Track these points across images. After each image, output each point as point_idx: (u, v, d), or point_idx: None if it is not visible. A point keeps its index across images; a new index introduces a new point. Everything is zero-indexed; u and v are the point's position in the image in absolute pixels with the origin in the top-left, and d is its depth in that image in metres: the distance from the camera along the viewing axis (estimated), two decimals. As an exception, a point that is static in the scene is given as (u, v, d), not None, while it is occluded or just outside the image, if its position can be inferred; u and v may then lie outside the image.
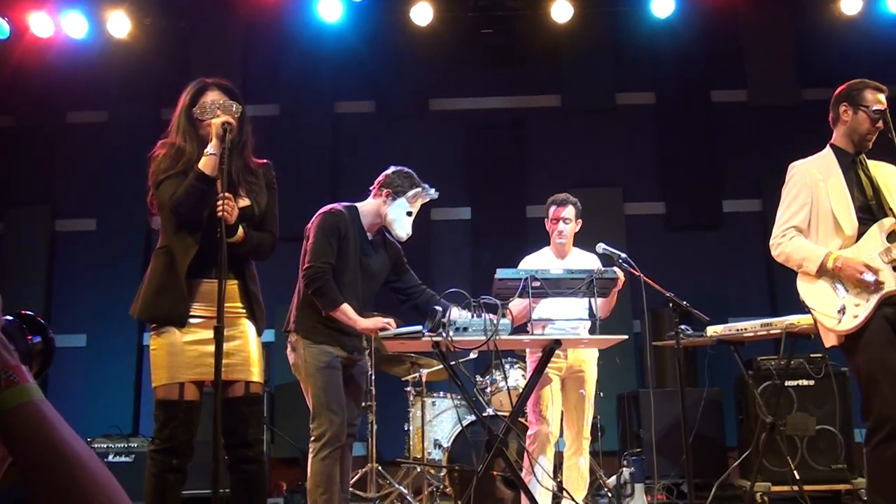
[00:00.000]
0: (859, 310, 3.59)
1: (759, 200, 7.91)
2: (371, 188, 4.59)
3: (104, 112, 8.27)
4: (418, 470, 6.04)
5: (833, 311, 3.68)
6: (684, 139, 8.04)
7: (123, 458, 6.65)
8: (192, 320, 3.24)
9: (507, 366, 5.81)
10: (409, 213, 4.49)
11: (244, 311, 3.36)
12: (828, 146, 3.98)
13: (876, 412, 3.49)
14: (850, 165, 3.89)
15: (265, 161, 3.56)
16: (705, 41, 8.03)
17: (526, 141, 8.17)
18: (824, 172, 3.86)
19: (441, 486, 5.77)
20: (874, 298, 3.55)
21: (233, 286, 3.29)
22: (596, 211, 6.98)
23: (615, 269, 4.50)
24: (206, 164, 3.15)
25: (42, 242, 8.09)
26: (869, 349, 3.55)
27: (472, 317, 4.14)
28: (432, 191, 4.55)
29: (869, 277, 3.57)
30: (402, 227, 4.48)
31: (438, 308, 4.18)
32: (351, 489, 4.78)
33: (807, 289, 3.81)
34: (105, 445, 6.70)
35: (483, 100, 8.33)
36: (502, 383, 5.74)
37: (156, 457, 3.19)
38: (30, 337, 1.05)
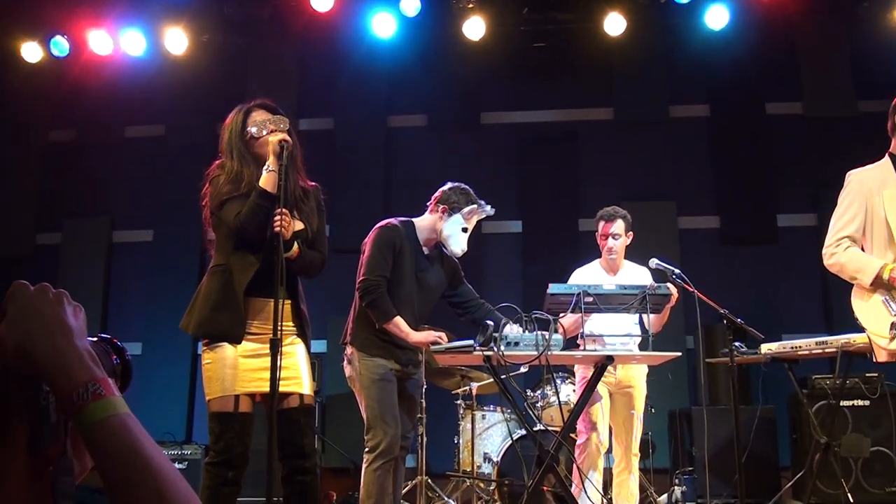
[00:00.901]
0: None
1: (814, 215, 7.78)
2: (428, 203, 4.63)
3: (161, 126, 8.44)
4: (468, 483, 6.04)
5: (885, 329, 3.61)
6: (739, 152, 7.94)
7: (178, 465, 6.74)
8: (246, 336, 3.30)
9: (558, 381, 5.79)
10: (465, 230, 4.52)
11: (295, 329, 3.41)
12: (886, 155, 3.88)
13: None
14: None
15: (314, 184, 3.61)
16: (760, 53, 7.93)
17: (578, 154, 8.15)
18: (881, 182, 3.78)
19: (491, 500, 5.77)
20: None
21: (286, 305, 3.34)
22: (649, 224, 6.94)
23: (669, 285, 4.47)
24: (266, 181, 3.21)
25: (100, 253, 8.27)
26: None
27: (524, 331, 4.15)
28: (488, 207, 4.58)
29: None
30: (458, 243, 4.51)
31: (490, 322, 4.20)
32: (402, 501, 4.80)
33: (859, 305, 3.76)
34: (159, 452, 6.82)
35: (535, 113, 8.32)
36: (553, 398, 5.72)
37: (211, 469, 3.24)
38: (113, 357, 1.09)
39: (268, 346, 3.19)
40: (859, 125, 7.60)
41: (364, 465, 4.32)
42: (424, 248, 4.54)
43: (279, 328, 2.98)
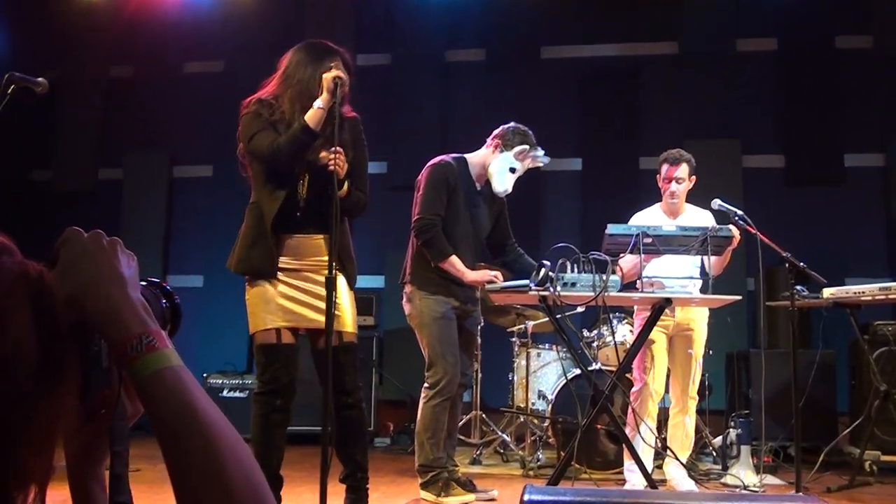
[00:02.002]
0: None
1: (882, 155, 7.53)
2: (487, 139, 4.60)
3: (220, 62, 8.45)
4: (521, 419, 6.09)
5: None
6: (806, 89, 7.66)
7: (238, 394, 6.95)
8: (280, 273, 3.34)
9: (615, 321, 5.76)
10: (513, 170, 4.48)
11: (336, 264, 3.42)
12: None
13: None
14: None
15: (354, 114, 3.56)
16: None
17: (640, 90, 7.96)
18: None
19: (544, 436, 5.81)
20: None
21: (319, 241, 3.36)
22: (712, 163, 6.79)
23: (731, 226, 4.38)
24: (312, 117, 3.20)
25: (161, 187, 8.41)
26: None
27: (581, 272, 4.12)
28: (541, 153, 4.53)
29: None
30: (502, 182, 4.47)
31: (546, 263, 4.18)
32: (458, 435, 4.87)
33: None
34: (220, 381, 7.00)
35: (597, 47, 8.11)
36: (609, 338, 5.69)
37: (260, 399, 3.33)
38: (162, 301, 1.09)
39: (300, 281, 3.24)
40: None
41: (423, 401, 4.40)
42: (477, 184, 4.52)
43: (332, 267, 3.00)
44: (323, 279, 3.31)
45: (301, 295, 3.26)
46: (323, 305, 3.22)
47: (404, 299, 4.51)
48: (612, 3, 8.07)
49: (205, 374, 7.11)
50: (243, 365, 7.68)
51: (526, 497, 1.94)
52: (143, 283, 1.10)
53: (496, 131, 4.57)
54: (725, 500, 1.95)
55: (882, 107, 7.51)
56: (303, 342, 3.50)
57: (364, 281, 5.26)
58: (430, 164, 4.49)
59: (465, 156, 4.58)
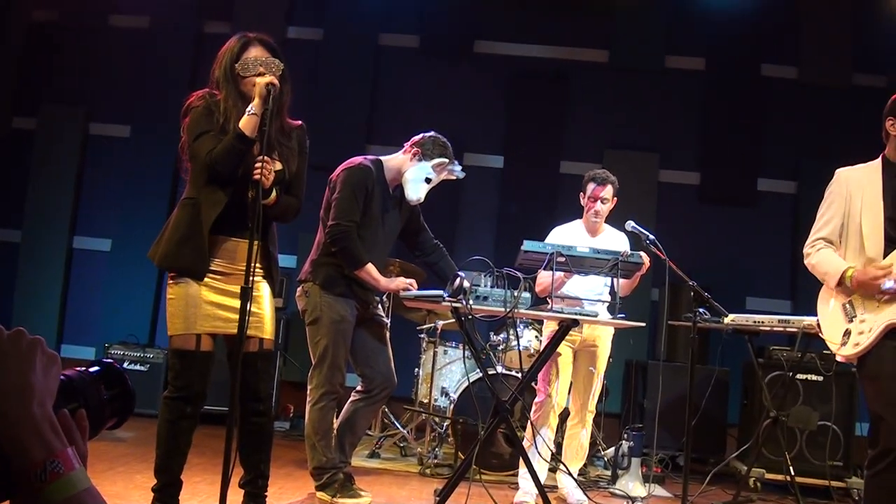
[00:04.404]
0: (861, 338, 3.51)
1: (794, 183, 7.80)
2: (405, 144, 4.58)
3: (146, 18, 8.18)
4: (423, 416, 6.15)
5: (838, 336, 3.63)
6: (729, 110, 7.87)
7: (139, 367, 6.81)
8: (210, 274, 3.28)
9: (521, 326, 5.86)
10: (428, 180, 4.49)
11: (262, 271, 3.39)
12: (879, 158, 3.73)
13: (882, 442, 3.47)
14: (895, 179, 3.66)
15: (300, 123, 3.53)
16: (761, 11, 7.79)
17: (568, 95, 8.04)
18: (864, 184, 3.67)
19: (444, 433, 5.89)
20: (879, 326, 3.50)
21: (254, 246, 3.31)
22: (630, 175, 6.92)
23: (641, 253, 4.48)
24: (246, 124, 3.14)
25: (74, 144, 8.11)
26: (877, 380, 3.50)
27: (494, 287, 4.18)
28: (458, 168, 4.55)
29: (889, 284, 3.44)
30: (416, 191, 4.48)
31: (461, 274, 4.22)
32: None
33: (822, 308, 3.78)
34: (121, 353, 6.85)
35: (529, 47, 8.13)
36: (514, 342, 5.79)
37: (170, 403, 3.26)
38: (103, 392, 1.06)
39: (232, 285, 3.20)
40: (852, 97, 7.59)
41: (309, 404, 4.40)
42: (390, 188, 4.52)
43: (251, 275, 2.95)
44: (255, 285, 3.28)
45: (227, 300, 3.20)
46: (250, 315, 3.20)
47: (299, 293, 4.48)
48: (548, 4, 8.13)
49: (106, 345, 6.95)
50: (145, 337, 7.54)
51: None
52: (85, 369, 1.07)
53: (415, 138, 4.54)
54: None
55: (800, 136, 7.77)
56: (218, 347, 3.42)
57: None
58: (347, 165, 4.44)
59: (381, 159, 4.55)
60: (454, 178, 4.63)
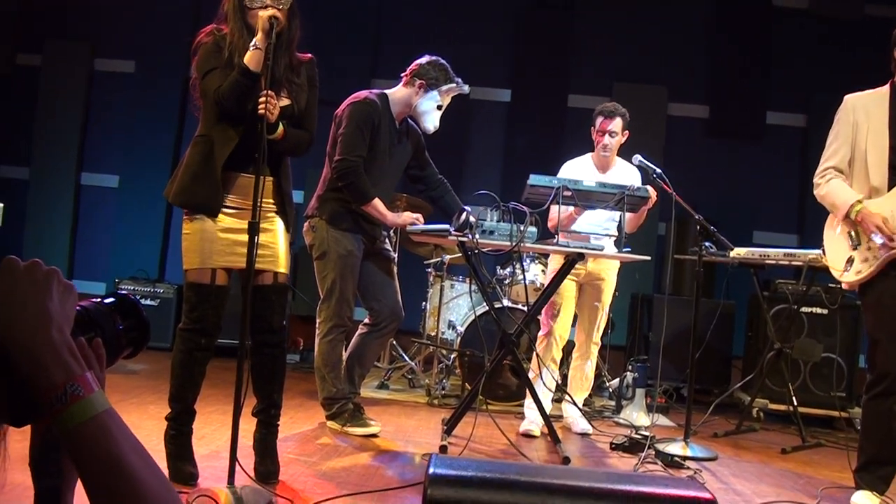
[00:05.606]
0: (864, 266, 3.60)
1: (804, 116, 7.74)
2: (403, 75, 4.55)
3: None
4: (430, 349, 6.23)
5: (841, 263, 3.71)
6: (738, 42, 7.77)
7: (149, 302, 6.87)
8: (225, 210, 3.30)
9: (528, 260, 5.90)
10: (440, 107, 4.48)
11: (275, 206, 3.41)
12: (888, 84, 3.70)
13: (879, 367, 3.56)
14: None
15: (310, 57, 3.50)
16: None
17: (575, 25, 7.93)
18: (871, 112, 3.67)
19: (451, 365, 5.97)
20: (881, 256, 3.54)
21: (267, 182, 3.32)
22: (638, 108, 6.85)
23: (648, 187, 4.50)
24: (250, 58, 3.12)
25: (81, 79, 8.07)
26: (877, 308, 3.58)
27: (500, 221, 4.21)
28: (465, 87, 4.52)
29: (877, 239, 3.53)
30: (432, 121, 4.48)
31: (467, 209, 4.25)
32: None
33: (828, 235, 3.83)
34: (132, 288, 6.91)
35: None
36: (520, 276, 5.84)
37: (185, 335, 3.31)
38: (118, 322, 1.09)
39: (245, 221, 3.21)
40: (862, 29, 7.45)
41: (318, 336, 4.47)
42: (396, 122, 4.51)
43: (258, 210, 2.97)
44: (268, 219, 3.33)
45: (241, 236, 3.21)
46: (264, 248, 3.25)
47: (306, 228, 4.52)
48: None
49: (116, 280, 7.02)
50: (155, 272, 7.60)
51: (431, 469, 2.05)
52: (100, 300, 1.09)
53: (413, 67, 4.50)
54: (618, 482, 2.08)
55: (809, 69, 7.67)
56: (233, 281, 3.47)
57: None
58: (352, 100, 4.42)
59: (387, 92, 4.53)
60: (462, 94, 4.61)
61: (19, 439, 1.04)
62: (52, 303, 0.95)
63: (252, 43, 3.14)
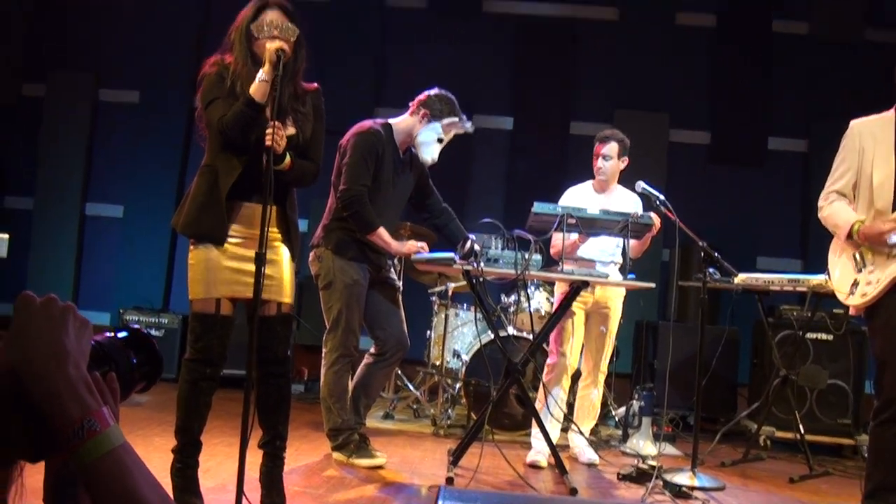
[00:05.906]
0: (869, 288, 3.58)
1: (805, 141, 7.77)
2: (410, 104, 4.58)
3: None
4: (435, 378, 6.21)
5: (846, 286, 3.70)
6: (739, 68, 7.82)
7: (154, 332, 6.85)
8: (230, 240, 3.31)
9: (532, 288, 5.89)
10: (440, 140, 4.51)
11: (280, 235, 3.41)
12: (893, 109, 3.70)
13: (886, 392, 3.53)
14: None
15: (315, 86, 3.52)
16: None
17: (577, 54, 7.99)
18: (878, 136, 3.67)
19: (456, 395, 5.95)
20: (886, 278, 3.53)
21: (272, 211, 3.33)
22: (640, 135, 6.89)
23: (652, 214, 4.51)
24: (256, 89, 3.14)
25: (85, 109, 8.13)
26: (885, 330, 3.55)
27: (504, 249, 4.22)
28: (468, 124, 4.55)
29: (895, 238, 3.49)
30: (430, 153, 4.50)
31: (471, 237, 4.26)
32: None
33: (832, 259, 3.83)
34: (136, 318, 6.90)
35: (538, 5, 8.09)
36: (526, 304, 5.83)
37: (190, 365, 3.31)
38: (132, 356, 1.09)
39: (250, 250, 3.21)
40: (863, 54, 7.50)
41: (324, 366, 4.47)
42: (399, 151, 4.54)
43: (265, 241, 2.98)
44: (273, 249, 3.31)
45: (246, 265, 3.22)
46: (268, 278, 3.23)
47: (312, 258, 4.54)
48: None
49: (120, 311, 7.01)
50: (159, 302, 7.59)
51: (440, 503, 2.04)
52: (113, 334, 1.10)
53: (421, 97, 4.53)
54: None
55: (810, 94, 7.71)
56: (238, 311, 3.47)
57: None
58: (357, 130, 4.45)
59: (390, 122, 4.56)
60: (464, 132, 4.63)
61: (32, 473, 1.04)
62: (69, 338, 0.96)
63: (258, 75, 3.15)
